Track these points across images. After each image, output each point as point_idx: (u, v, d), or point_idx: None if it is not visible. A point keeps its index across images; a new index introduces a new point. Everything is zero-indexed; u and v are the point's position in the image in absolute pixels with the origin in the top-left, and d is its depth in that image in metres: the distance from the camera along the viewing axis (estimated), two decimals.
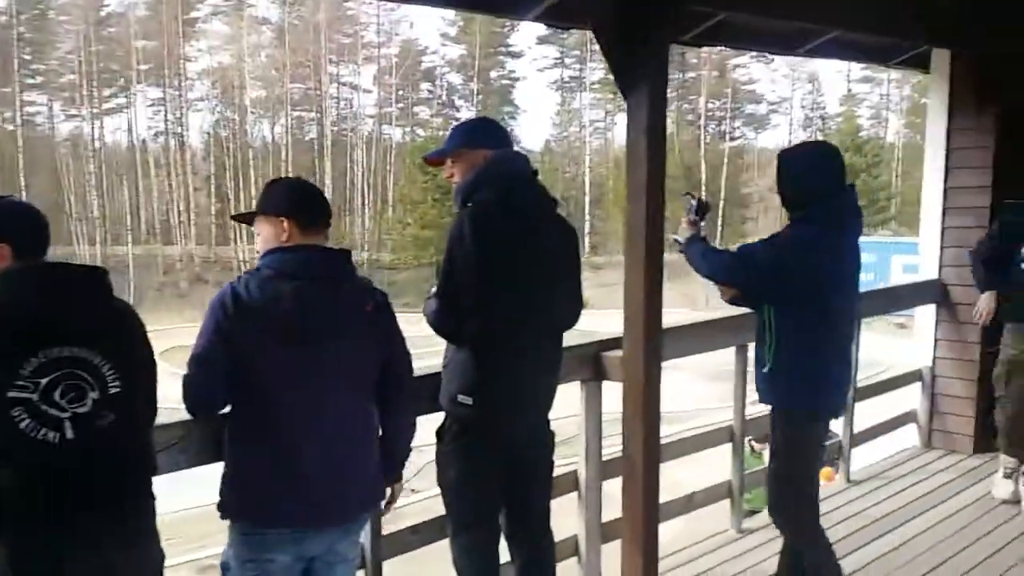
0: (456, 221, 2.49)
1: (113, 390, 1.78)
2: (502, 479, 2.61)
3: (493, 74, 53.61)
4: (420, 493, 12.54)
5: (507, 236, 2.47)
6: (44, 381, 1.69)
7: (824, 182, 2.81)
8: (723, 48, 5.79)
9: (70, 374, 1.74)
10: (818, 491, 3.06)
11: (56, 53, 48.00)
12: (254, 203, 2.34)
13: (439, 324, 2.52)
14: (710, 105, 52.81)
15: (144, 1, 48.03)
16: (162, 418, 2.07)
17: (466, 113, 50.66)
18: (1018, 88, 4.62)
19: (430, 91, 53.84)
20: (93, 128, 47.18)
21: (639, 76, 2.72)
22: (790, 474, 2.95)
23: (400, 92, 51.04)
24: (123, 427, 1.79)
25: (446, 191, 40.75)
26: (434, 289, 2.54)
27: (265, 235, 2.21)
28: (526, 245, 2.50)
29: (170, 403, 2.12)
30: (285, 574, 2.14)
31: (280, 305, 2.06)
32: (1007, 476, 4.13)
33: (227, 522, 2.18)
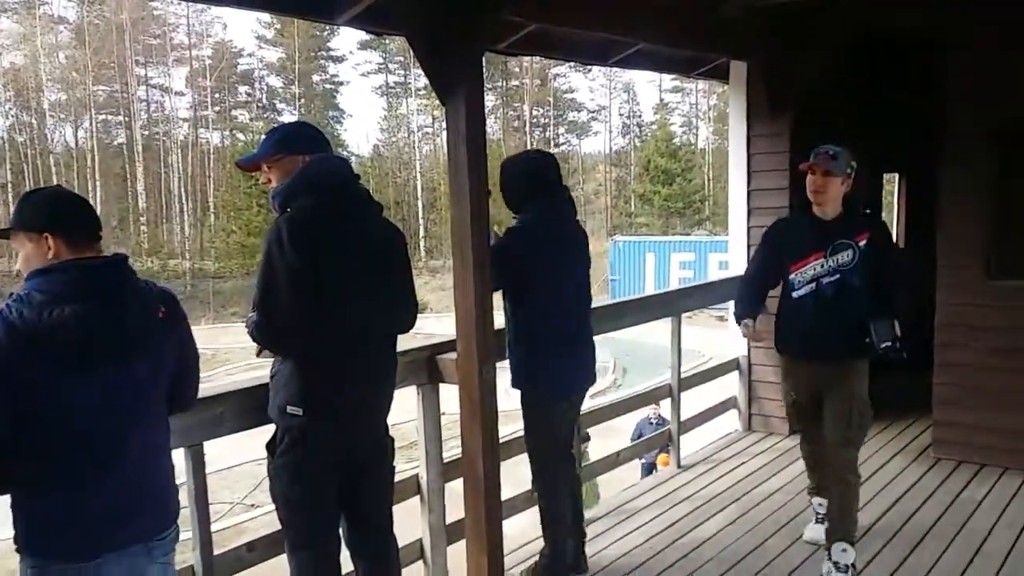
0: (273, 228, 2.38)
1: None
2: (338, 490, 2.55)
3: (315, 78, 52.30)
4: (259, 508, 12.26)
5: (328, 242, 2.39)
6: None
7: (537, 184, 3.21)
8: (540, 57, 5.94)
9: None
10: (562, 457, 3.42)
11: None
12: None
13: (260, 337, 2.44)
14: (534, 112, 54.25)
15: None
16: None
17: (288, 117, 49.28)
18: (807, 95, 5.12)
19: (248, 94, 51.75)
20: None
21: (455, 84, 2.75)
22: (534, 448, 3.35)
23: (216, 95, 48.79)
24: None
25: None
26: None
27: (27, 253, 1.98)
28: (349, 250, 2.43)
29: None
30: None
31: (62, 332, 1.85)
32: (818, 521, 3.79)
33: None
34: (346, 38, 54.80)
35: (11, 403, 1.84)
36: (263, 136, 2.64)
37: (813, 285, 3.33)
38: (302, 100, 50.39)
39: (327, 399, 2.45)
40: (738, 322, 3.54)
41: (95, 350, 1.88)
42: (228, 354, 24.99)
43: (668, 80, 53.57)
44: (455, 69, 2.75)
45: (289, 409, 2.43)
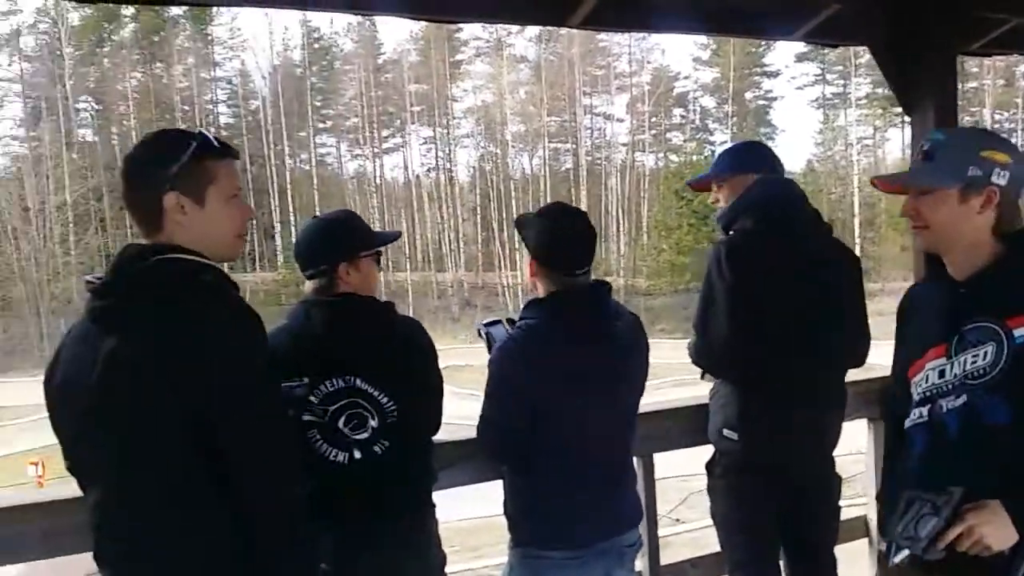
0: (713, 251, 2.40)
1: (391, 419, 1.97)
2: (778, 520, 2.50)
3: (748, 95, 52.95)
4: (684, 524, 12.42)
5: (770, 265, 2.34)
6: (331, 408, 1.93)
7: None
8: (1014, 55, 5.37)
9: (353, 403, 1.95)
10: None
11: (341, 99, 54.79)
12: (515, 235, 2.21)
13: (697, 357, 2.48)
14: (996, 116, 48.92)
15: (415, 48, 53.55)
16: (444, 435, 2.23)
17: (720, 136, 50.65)
18: None
19: (683, 116, 54.43)
20: (375, 166, 53.14)
21: (923, 91, 2.61)
22: None
23: (653, 119, 51.73)
24: (400, 450, 1.98)
25: (702, 217, 41.36)
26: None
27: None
28: (791, 274, 2.35)
29: (453, 420, 2.27)
30: None
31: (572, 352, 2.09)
32: None
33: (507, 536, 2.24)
34: (782, 52, 54.74)
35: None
36: (704, 156, 3.29)
37: (925, 410, 1.74)
38: (734, 119, 51.54)
39: (761, 426, 2.41)
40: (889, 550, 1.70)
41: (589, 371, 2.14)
42: (655, 369, 26.99)
43: None
44: (924, 76, 2.59)
45: (725, 432, 2.46)
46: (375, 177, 52.79)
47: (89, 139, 49.36)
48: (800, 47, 47.44)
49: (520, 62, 54.06)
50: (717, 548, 2.68)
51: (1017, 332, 1.62)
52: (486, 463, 2.33)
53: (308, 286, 2.09)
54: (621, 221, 49.98)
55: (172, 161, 1.54)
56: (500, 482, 2.28)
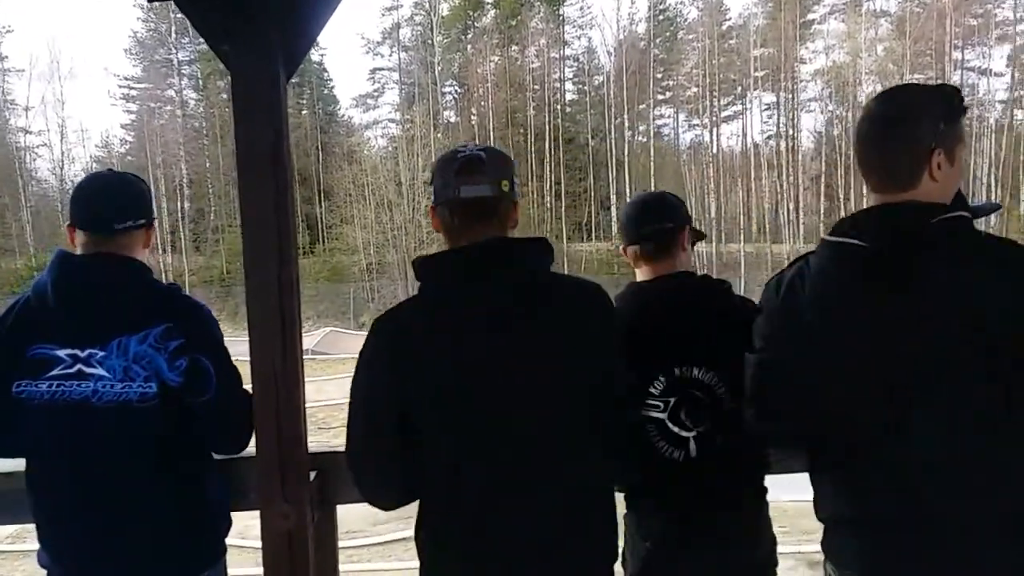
0: None
1: (729, 408, 1.97)
2: None
3: None
4: None
5: None
6: (672, 401, 1.97)
7: None
8: None
9: (691, 394, 1.99)
10: None
11: (683, 70, 56.72)
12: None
13: None
14: None
15: (763, 11, 53.72)
16: None
17: None
18: None
19: None
20: (712, 135, 54.85)
21: None
22: None
23: None
24: (736, 442, 1.96)
25: None
26: None
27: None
28: None
29: None
30: None
31: None
32: None
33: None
34: None
35: None
36: None
37: None
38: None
39: None
40: None
41: None
42: None
43: None
44: None
45: None
46: (711, 146, 54.35)
47: (453, 120, 57.12)
48: None
49: (880, 17, 51.94)
50: None
51: None
52: None
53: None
54: (993, 187, 46.45)
55: (941, 118, 1.64)
56: None
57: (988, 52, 49.75)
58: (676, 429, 1.99)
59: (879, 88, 51.10)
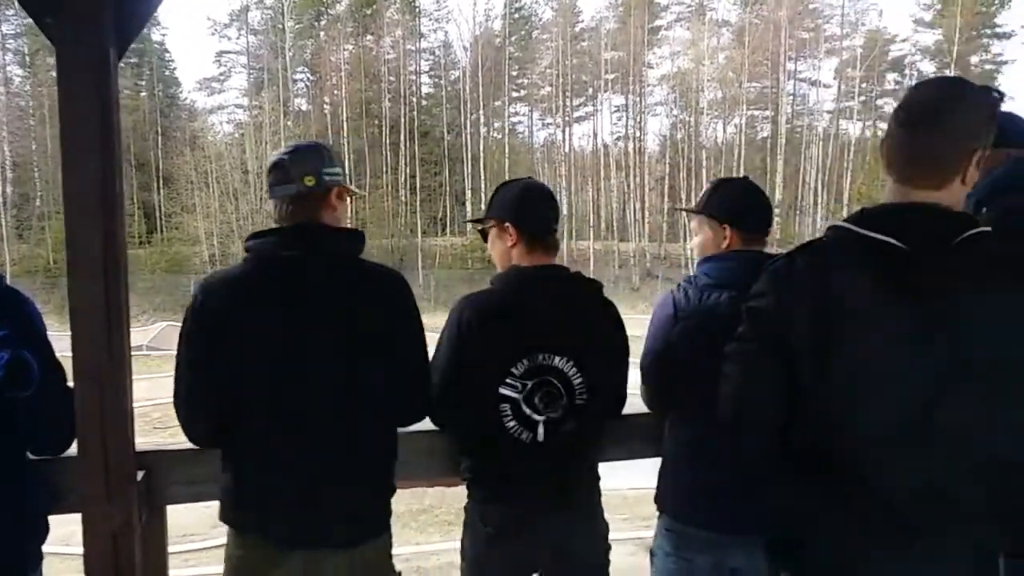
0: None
1: (580, 401, 2.11)
2: None
3: (974, 59, 50.22)
4: None
5: None
6: (530, 384, 2.05)
7: None
8: None
9: (547, 381, 2.07)
10: None
11: (537, 68, 57.94)
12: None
13: None
14: None
15: (614, 15, 55.34)
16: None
17: None
18: None
19: (897, 82, 52.62)
20: (564, 135, 55.84)
21: None
22: None
23: (863, 84, 50.63)
24: (582, 432, 2.11)
25: None
26: None
27: (706, 239, 2.29)
28: None
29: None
30: None
31: (714, 315, 2.12)
32: None
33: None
34: (1019, 11, 52.08)
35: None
36: None
37: None
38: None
39: None
40: None
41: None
42: None
43: None
44: None
45: None
46: (564, 146, 55.53)
47: (304, 108, 55.89)
48: None
49: (722, 26, 54.54)
50: None
51: None
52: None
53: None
54: (819, 193, 49.77)
55: (989, 119, 1.57)
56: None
57: (818, 64, 53.61)
58: (529, 412, 2.07)
59: (720, 95, 53.98)
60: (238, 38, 56.98)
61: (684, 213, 2.61)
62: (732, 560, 2.18)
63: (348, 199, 2.09)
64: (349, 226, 2.08)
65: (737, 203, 2.28)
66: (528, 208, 2.22)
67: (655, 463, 2.42)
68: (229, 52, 57.70)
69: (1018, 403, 1.53)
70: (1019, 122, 2.35)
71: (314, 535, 1.92)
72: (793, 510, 1.67)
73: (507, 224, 2.20)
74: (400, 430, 2.25)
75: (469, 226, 49.29)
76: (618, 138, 56.82)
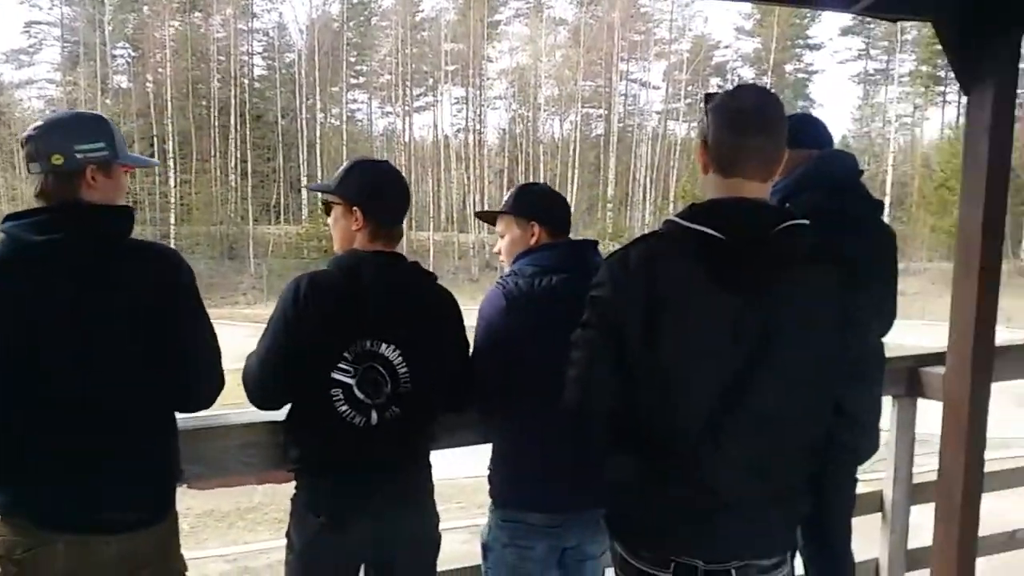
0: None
1: (403, 389, 2.10)
2: None
3: (788, 67, 54.22)
4: None
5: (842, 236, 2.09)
6: (362, 369, 2.05)
7: None
8: None
9: (377, 368, 2.07)
10: None
11: (377, 56, 57.03)
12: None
13: None
14: None
15: (454, 6, 55.31)
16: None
17: None
18: None
19: (719, 86, 55.85)
20: (405, 124, 55.58)
21: (986, 70, 2.60)
22: None
23: (689, 87, 52.98)
24: (409, 419, 2.12)
25: None
26: None
27: (513, 238, 2.40)
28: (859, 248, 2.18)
29: None
30: (542, 564, 2.29)
31: (551, 297, 2.23)
32: None
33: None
34: (827, 25, 55.96)
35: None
36: None
37: None
38: (772, 91, 53.11)
39: None
40: None
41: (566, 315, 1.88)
42: None
43: None
44: (989, 54, 2.59)
45: None
46: (404, 135, 55.31)
47: (124, 86, 52.33)
48: (846, 20, 48.94)
49: (559, 24, 55.78)
50: None
51: None
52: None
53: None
54: (648, 189, 51.88)
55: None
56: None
57: (648, 66, 55.73)
58: (362, 396, 2.07)
59: (557, 92, 54.96)
60: (51, 8, 52.94)
61: (486, 218, 2.62)
62: (566, 540, 2.30)
63: (124, 174, 1.98)
64: (120, 204, 1.96)
65: (542, 201, 2.42)
66: (381, 199, 2.19)
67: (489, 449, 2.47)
68: (40, 23, 53.52)
69: (818, 389, 1.72)
70: (817, 125, 2.61)
71: (84, 519, 1.87)
72: (623, 484, 1.80)
73: (355, 209, 2.16)
74: (217, 423, 2.17)
75: (305, 214, 48.06)
76: (458, 130, 57.05)
